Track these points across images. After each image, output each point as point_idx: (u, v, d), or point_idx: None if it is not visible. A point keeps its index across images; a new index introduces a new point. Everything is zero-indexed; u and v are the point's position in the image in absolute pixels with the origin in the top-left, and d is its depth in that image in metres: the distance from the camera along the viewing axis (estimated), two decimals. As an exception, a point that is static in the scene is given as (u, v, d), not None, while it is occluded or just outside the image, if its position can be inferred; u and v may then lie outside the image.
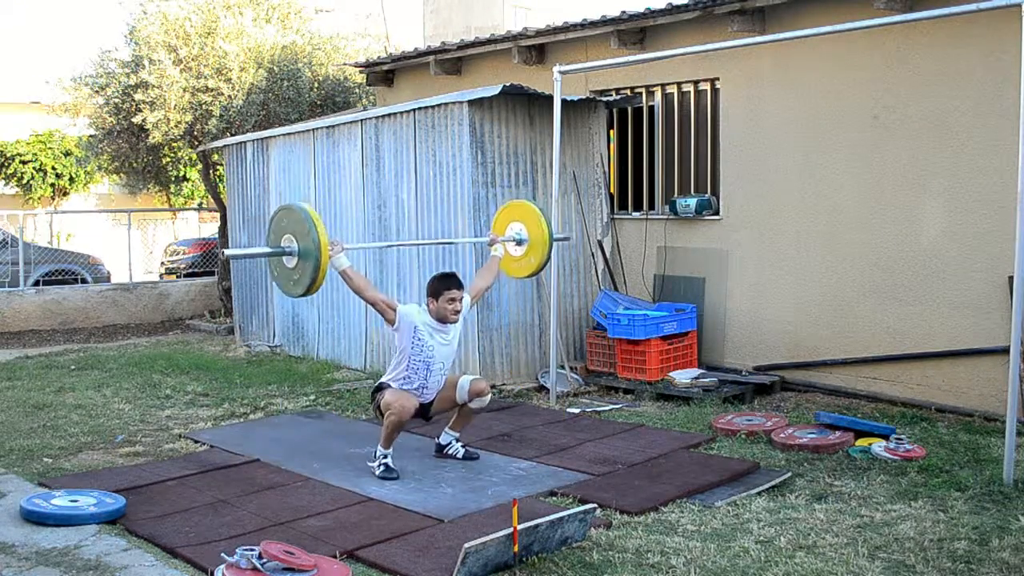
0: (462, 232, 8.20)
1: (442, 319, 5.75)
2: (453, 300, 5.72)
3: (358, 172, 9.36)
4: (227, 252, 5.68)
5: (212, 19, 12.07)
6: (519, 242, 6.43)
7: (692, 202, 8.45)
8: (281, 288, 5.50)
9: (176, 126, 11.95)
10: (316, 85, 12.92)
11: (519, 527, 4.06)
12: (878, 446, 5.90)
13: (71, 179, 23.00)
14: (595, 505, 4.56)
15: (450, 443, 6.03)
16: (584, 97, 8.99)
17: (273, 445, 6.47)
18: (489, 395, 5.91)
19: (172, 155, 13.64)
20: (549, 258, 6.51)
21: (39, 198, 22.97)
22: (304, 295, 5.37)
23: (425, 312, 5.78)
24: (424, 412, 5.84)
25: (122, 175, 14.04)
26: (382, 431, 5.69)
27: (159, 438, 6.82)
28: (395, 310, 5.68)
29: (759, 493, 5.22)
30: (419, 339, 5.68)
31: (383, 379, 5.90)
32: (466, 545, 3.92)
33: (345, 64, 12.87)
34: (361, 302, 9.33)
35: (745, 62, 8.09)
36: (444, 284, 5.77)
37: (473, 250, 8.12)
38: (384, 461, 5.69)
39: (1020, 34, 5.16)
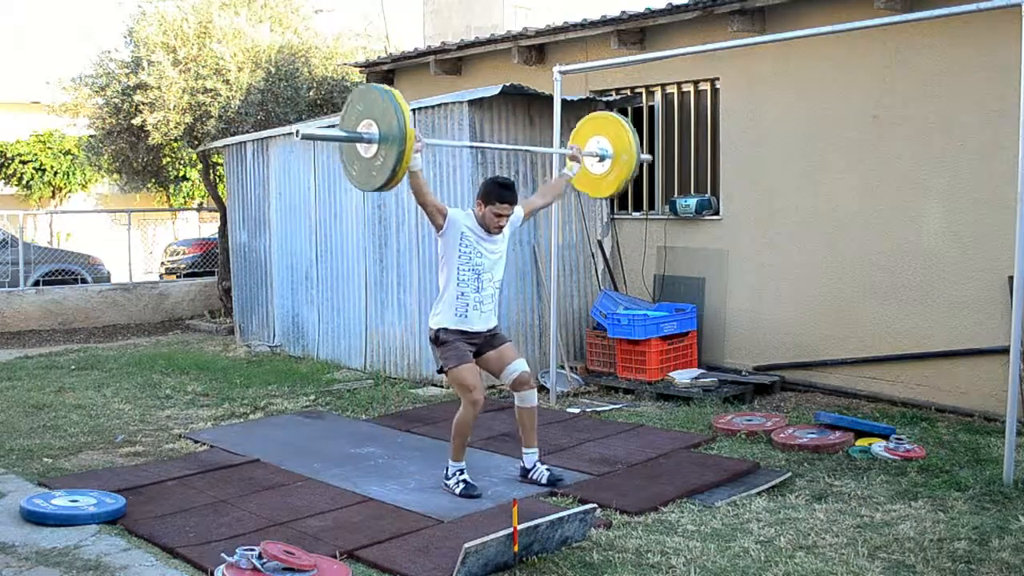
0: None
1: (485, 227, 5.29)
2: (501, 215, 5.26)
3: (358, 172, 9.34)
4: (302, 132, 4.88)
5: (207, 19, 12.06)
6: (601, 158, 5.80)
7: (692, 202, 8.45)
8: (356, 182, 4.93)
9: (176, 127, 11.95)
10: (315, 85, 12.92)
11: (519, 527, 4.06)
12: (878, 446, 5.90)
13: (67, 176, 22.99)
14: (595, 505, 4.56)
15: (535, 466, 5.49)
16: (584, 97, 8.99)
17: (273, 445, 6.47)
18: (534, 393, 5.47)
19: (172, 155, 13.63)
20: (633, 175, 5.89)
21: (38, 198, 22.97)
22: (383, 188, 4.86)
23: (471, 216, 5.32)
24: (480, 350, 5.39)
25: (122, 175, 14.03)
26: (453, 436, 5.29)
27: (159, 438, 6.82)
28: (445, 215, 5.22)
29: (759, 493, 5.22)
30: (466, 244, 5.25)
31: (437, 318, 5.33)
32: (466, 545, 3.92)
33: (345, 64, 12.86)
34: (361, 302, 9.38)
35: (745, 62, 8.08)
36: (498, 192, 5.25)
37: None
38: (462, 478, 5.31)
39: (1020, 34, 5.16)
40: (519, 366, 5.41)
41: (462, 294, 5.27)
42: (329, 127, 4.78)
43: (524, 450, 5.54)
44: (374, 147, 4.74)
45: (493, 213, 5.25)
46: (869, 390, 7.44)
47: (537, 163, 8.63)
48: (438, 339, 5.33)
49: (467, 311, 5.29)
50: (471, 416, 5.25)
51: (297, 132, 4.82)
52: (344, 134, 4.85)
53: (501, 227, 5.33)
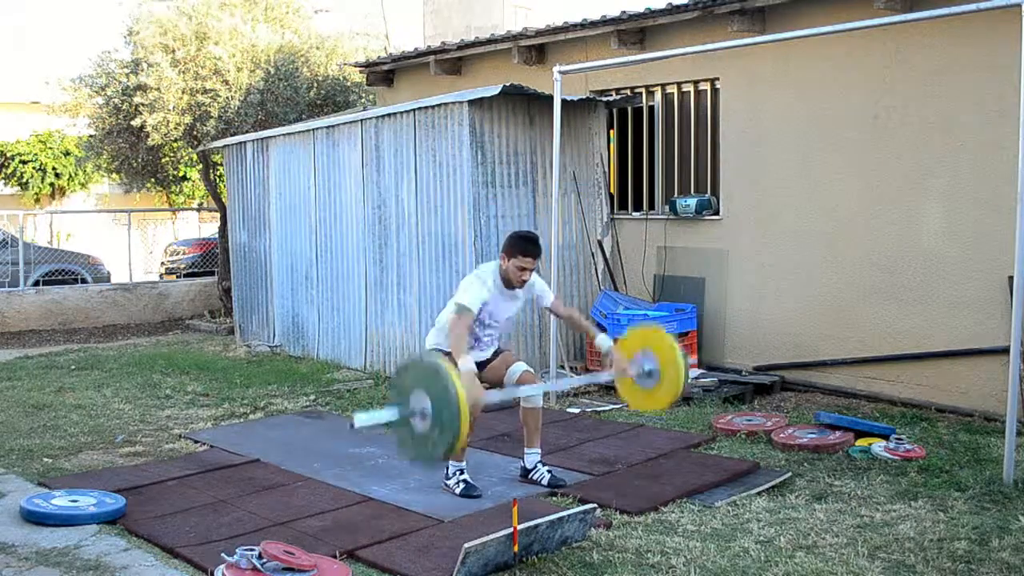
0: (461, 230, 8.20)
1: (508, 281, 5.27)
2: (524, 269, 5.22)
3: (358, 172, 9.36)
4: (357, 424, 4.36)
5: (204, 20, 12.05)
6: (649, 374, 5.15)
7: (692, 202, 8.44)
8: (409, 456, 4.55)
9: (175, 127, 11.95)
10: (315, 85, 12.92)
11: (519, 527, 4.06)
12: (878, 446, 5.90)
13: (70, 177, 23.01)
14: (595, 505, 4.56)
15: (535, 467, 5.50)
16: (584, 97, 8.99)
17: (273, 445, 6.47)
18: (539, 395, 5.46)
19: (172, 155, 13.63)
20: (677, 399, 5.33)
21: (35, 197, 22.97)
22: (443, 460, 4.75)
23: (494, 273, 5.29)
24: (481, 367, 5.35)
25: (122, 175, 14.03)
26: None
27: (159, 438, 6.82)
28: (473, 312, 5.13)
29: (759, 493, 5.22)
30: (485, 310, 5.23)
31: (436, 340, 5.36)
32: (466, 545, 3.92)
33: (345, 64, 12.86)
34: (361, 302, 9.38)
35: (745, 62, 8.08)
36: (521, 246, 5.21)
37: (473, 250, 8.12)
38: (462, 478, 5.33)
39: (1020, 34, 5.16)
40: (520, 367, 5.42)
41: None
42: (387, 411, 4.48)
43: (526, 450, 5.53)
44: (428, 422, 4.29)
45: (516, 267, 5.22)
46: (869, 390, 7.44)
47: (537, 163, 8.63)
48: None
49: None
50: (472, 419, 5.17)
51: (351, 425, 4.39)
52: (398, 415, 4.41)
53: (524, 281, 5.27)
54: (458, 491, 5.28)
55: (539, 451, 5.53)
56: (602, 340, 5.29)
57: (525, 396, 5.28)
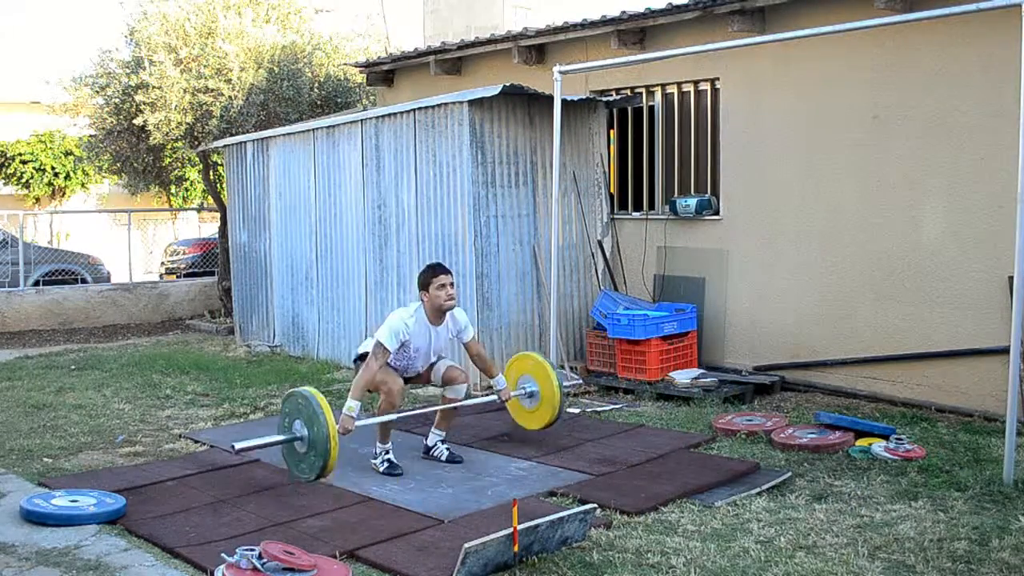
0: (461, 230, 8.20)
1: (437, 309, 5.72)
2: (444, 286, 5.67)
3: (358, 172, 9.36)
4: (237, 446, 5.35)
5: (212, 19, 12.08)
6: (530, 395, 6.35)
7: (692, 202, 8.44)
8: (293, 473, 5.46)
9: (177, 127, 11.95)
10: (316, 85, 12.92)
11: (519, 527, 4.06)
12: (878, 446, 5.90)
13: (67, 176, 23.00)
14: (595, 505, 4.56)
15: (436, 444, 6.04)
16: (584, 97, 9.00)
17: (273, 445, 6.46)
18: (464, 385, 5.93)
19: (172, 155, 13.64)
20: (560, 414, 6.38)
21: (36, 198, 22.97)
22: (317, 480, 5.35)
23: (416, 312, 5.75)
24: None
25: (123, 175, 14.03)
26: (377, 425, 5.73)
27: (159, 438, 6.82)
28: (389, 351, 5.64)
29: (759, 493, 5.22)
30: (409, 345, 5.76)
31: (363, 351, 5.92)
32: (466, 545, 3.92)
33: (345, 64, 12.87)
34: (361, 302, 9.38)
35: (745, 62, 8.08)
36: (431, 272, 5.73)
37: (473, 249, 8.12)
38: (387, 457, 5.76)
39: (1020, 34, 5.16)
40: (444, 363, 5.98)
41: (392, 360, 5.78)
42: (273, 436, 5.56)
43: (433, 429, 6.07)
44: (305, 445, 5.31)
45: (437, 289, 5.67)
46: (869, 390, 7.44)
47: (537, 163, 8.64)
48: (362, 356, 5.87)
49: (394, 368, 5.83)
50: (390, 405, 5.68)
51: (233, 447, 5.38)
52: (281, 438, 5.41)
53: (452, 296, 5.71)
54: (381, 469, 5.73)
55: (444, 434, 6.06)
56: (499, 379, 6.16)
57: (390, 420, 5.76)
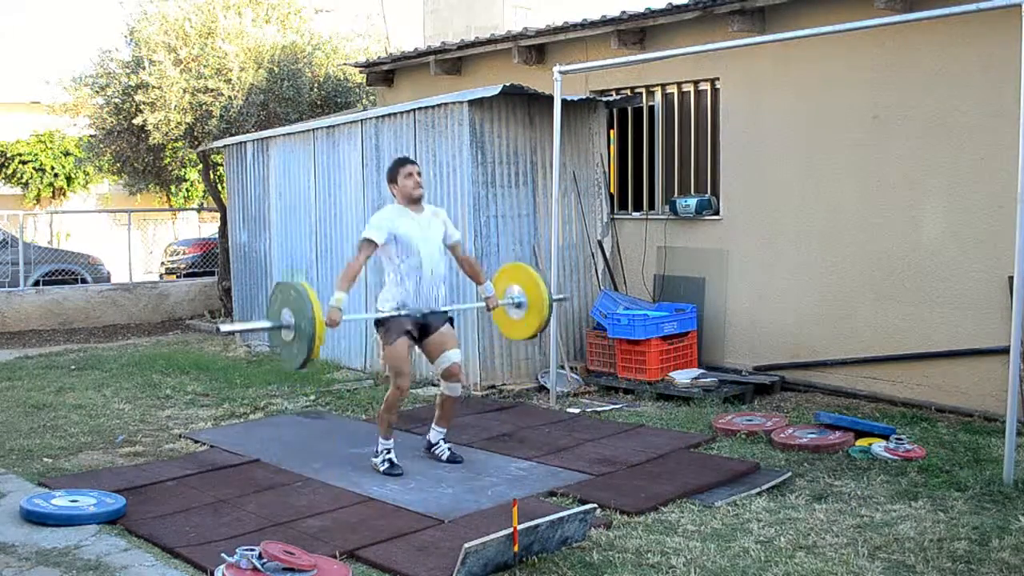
0: (461, 230, 8.18)
1: (408, 197, 5.73)
2: (411, 175, 5.72)
3: (358, 172, 9.36)
4: (223, 328, 5.59)
5: (211, 19, 12.08)
6: (518, 305, 6.30)
7: (692, 202, 8.44)
8: (282, 363, 5.48)
9: (177, 127, 11.95)
10: (316, 85, 12.93)
11: (519, 527, 4.06)
12: (878, 446, 5.90)
13: (68, 178, 23.01)
14: (595, 505, 4.56)
15: (438, 443, 6.04)
16: (584, 97, 8.99)
17: (273, 445, 6.47)
18: (459, 386, 5.93)
19: (173, 155, 13.64)
20: (548, 322, 6.38)
21: (36, 198, 22.97)
22: (301, 368, 5.41)
23: (392, 205, 5.82)
24: (423, 333, 5.78)
25: (123, 175, 14.03)
26: (381, 414, 5.77)
27: (159, 438, 6.82)
28: (375, 243, 5.60)
29: (759, 493, 5.22)
30: (400, 238, 5.62)
31: (379, 305, 5.80)
32: (466, 545, 3.92)
33: (345, 64, 12.87)
34: (361, 301, 9.37)
35: (745, 62, 8.08)
36: (398, 163, 5.81)
37: (473, 249, 8.12)
38: (388, 457, 5.76)
39: (1020, 34, 5.16)
40: (452, 356, 5.83)
41: (402, 280, 5.70)
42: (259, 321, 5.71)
43: (434, 427, 6.05)
44: (292, 332, 5.30)
45: (404, 178, 5.70)
46: (869, 390, 7.44)
47: (537, 163, 8.63)
48: (380, 322, 5.77)
49: (408, 296, 5.71)
50: (399, 393, 5.72)
51: (217, 329, 5.53)
52: (268, 324, 5.45)
53: (419, 184, 5.74)
54: (381, 469, 5.72)
55: (445, 431, 6.06)
56: (487, 286, 6.12)
57: (394, 404, 5.75)
